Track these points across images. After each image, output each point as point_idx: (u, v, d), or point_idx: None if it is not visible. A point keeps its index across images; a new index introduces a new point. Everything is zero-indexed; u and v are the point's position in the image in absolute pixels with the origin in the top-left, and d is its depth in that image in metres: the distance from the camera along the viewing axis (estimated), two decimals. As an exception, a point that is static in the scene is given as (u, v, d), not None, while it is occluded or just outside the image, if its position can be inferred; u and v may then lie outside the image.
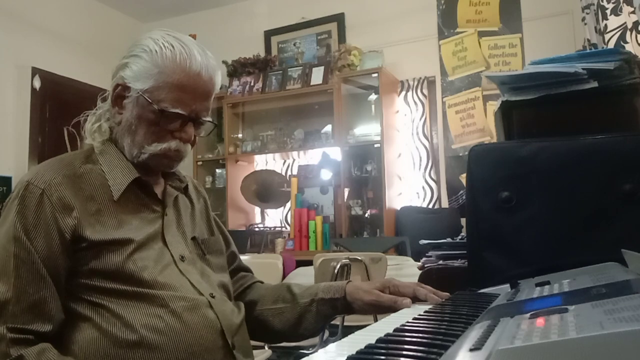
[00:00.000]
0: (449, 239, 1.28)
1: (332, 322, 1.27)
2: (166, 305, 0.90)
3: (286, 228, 4.40)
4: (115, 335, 0.86)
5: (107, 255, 0.89)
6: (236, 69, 4.46)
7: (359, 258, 2.57)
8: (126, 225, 0.94)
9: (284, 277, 3.06)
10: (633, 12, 2.22)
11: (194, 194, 1.14)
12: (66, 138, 4.20)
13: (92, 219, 0.91)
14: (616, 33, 2.32)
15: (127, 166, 0.98)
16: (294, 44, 4.63)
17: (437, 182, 4.04)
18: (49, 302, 0.86)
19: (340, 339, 0.67)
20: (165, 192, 1.04)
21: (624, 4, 2.28)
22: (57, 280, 0.88)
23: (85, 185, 0.94)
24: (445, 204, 3.95)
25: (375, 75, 3.96)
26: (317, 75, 4.18)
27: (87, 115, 1.05)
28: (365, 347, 0.56)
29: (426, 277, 1.18)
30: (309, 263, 2.93)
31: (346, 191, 4.03)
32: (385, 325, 0.71)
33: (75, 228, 0.89)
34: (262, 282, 1.22)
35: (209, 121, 1.03)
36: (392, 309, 0.94)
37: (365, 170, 4.05)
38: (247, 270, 1.22)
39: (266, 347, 2.22)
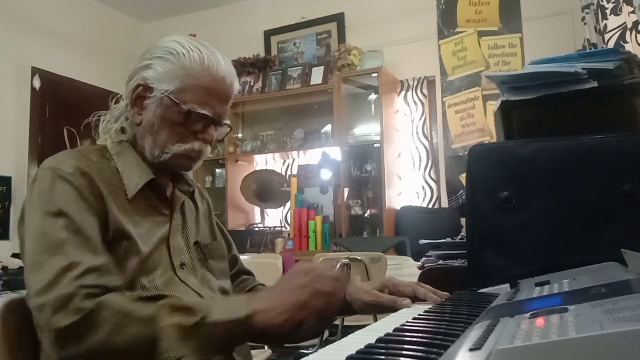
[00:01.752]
0: (449, 239, 1.29)
1: (332, 323, 1.27)
2: None
3: (286, 228, 4.40)
4: None
5: (117, 254, 0.89)
6: (236, 69, 4.45)
7: (359, 258, 2.57)
8: (137, 227, 0.93)
9: (284, 277, 3.05)
10: (633, 12, 2.22)
11: (198, 198, 1.14)
12: (66, 138, 4.20)
13: (113, 212, 0.91)
14: (616, 33, 2.33)
15: (143, 167, 0.99)
16: (294, 44, 4.63)
17: (437, 182, 4.04)
18: (109, 264, 0.85)
19: (340, 339, 0.67)
20: (174, 196, 1.04)
21: (624, 4, 2.28)
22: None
23: (104, 177, 0.95)
24: (445, 204, 3.95)
25: (375, 75, 3.96)
26: (317, 75, 4.18)
27: (99, 116, 1.05)
28: (365, 347, 0.56)
29: (426, 277, 1.18)
30: (309, 263, 2.92)
31: (346, 191, 4.03)
32: (385, 325, 0.71)
33: (104, 213, 0.89)
34: (263, 285, 1.22)
35: (227, 124, 1.05)
36: (392, 309, 0.94)
37: (365, 170, 4.05)
38: (248, 273, 1.22)
39: (266, 347, 2.22)
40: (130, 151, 1.00)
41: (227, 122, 1.05)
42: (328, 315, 0.85)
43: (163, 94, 0.96)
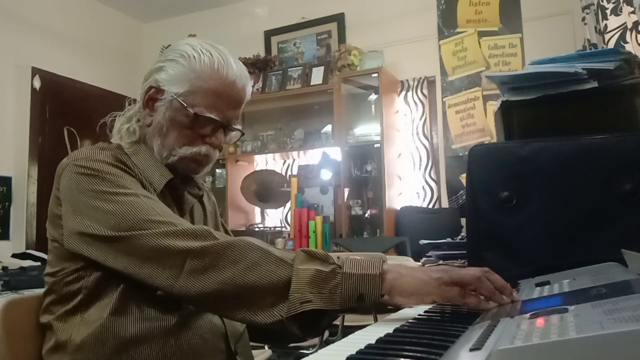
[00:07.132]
0: (449, 239, 1.29)
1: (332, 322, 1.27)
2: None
3: (286, 228, 4.40)
4: (120, 328, 0.87)
5: None
6: (236, 69, 4.46)
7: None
8: None
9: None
10: (633, 12, 2.22)
11: (205, 200, 1.15)
12: (66, 138, 4.19)
13: None
14: (616, 33, 2.32)
15: (161, 166, 0.99)
16: (294, 44, 4.63)
17: (437, 182, 4.04)
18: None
19: (340, 339, 0.67)
20: (184, 199, 1.04)
21: (624, 4, 2.28)
22: None
23: (134, 172, 0.96)
24: (445, 204, 3.95)
25: (375, 75, 3.96)
26: (317, 75, 4.18)
27: (115, 117, 1.06)
28: (365, 347, 0.56)
29: (426, 277, 1.18)
30: (309, 263, 2.91)
31: (346, 191, 4.03)
32: (385, 325, 0.71)
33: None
34: None
35: (238, 129, 1.05)
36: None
37: (365, 170, 4.05)
38: None
39: (266, 347, 2.22)
40: (147, 151, 1.00)
41: (238, 127, 1.04)
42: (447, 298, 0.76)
43: (172, 96, 0.97)
